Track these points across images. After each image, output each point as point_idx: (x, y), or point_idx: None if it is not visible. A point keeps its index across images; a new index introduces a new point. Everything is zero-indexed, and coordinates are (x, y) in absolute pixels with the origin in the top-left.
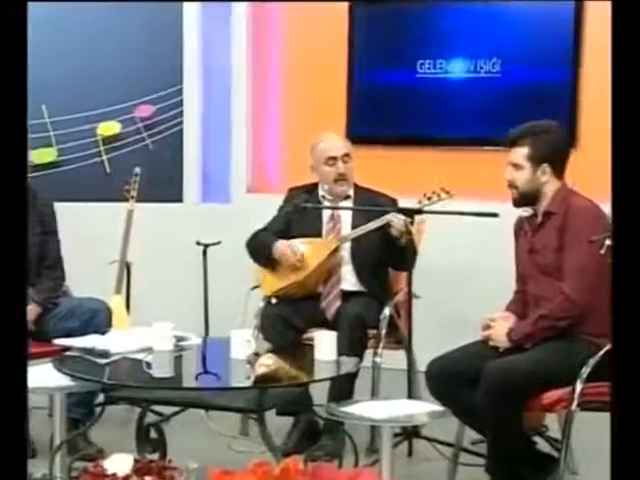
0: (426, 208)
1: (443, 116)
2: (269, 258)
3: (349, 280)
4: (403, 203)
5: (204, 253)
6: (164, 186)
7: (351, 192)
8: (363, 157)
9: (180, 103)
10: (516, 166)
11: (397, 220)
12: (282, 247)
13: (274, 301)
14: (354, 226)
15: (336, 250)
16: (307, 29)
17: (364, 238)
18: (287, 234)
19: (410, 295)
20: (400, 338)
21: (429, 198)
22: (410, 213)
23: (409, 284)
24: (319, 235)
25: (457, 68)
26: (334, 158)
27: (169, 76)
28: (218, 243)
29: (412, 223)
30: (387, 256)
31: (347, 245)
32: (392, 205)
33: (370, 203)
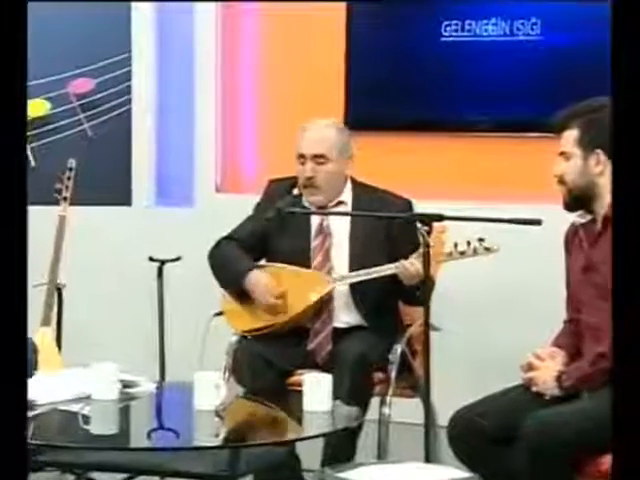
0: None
1: (471, 92)
2: (239, 289)
3: (347, 313)
4: (416, 206)
5: (159, 272)
6: (107, 184)
7: (346, 196)
8: (366, 147)
9: (128, 76)
10: (565, 155)
11: (413, 268)
12: (257, 284)
13: (250, 335)
14: (353, 241)
15: (329, 291)
16: None
17: (368, 257)
18: (263, 249)
19: (427, 327)
20: (415, 383)
21: (462, 253)
22: (428, 220)
23: (426, 314)
24: (305, 253)
25: (489, 30)
26: (302, 156)
27: (114, 41)
28: (177, 259)
29: (429, 233)
30: (396, 291)
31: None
32: (405, 210)
33: (375, 207)
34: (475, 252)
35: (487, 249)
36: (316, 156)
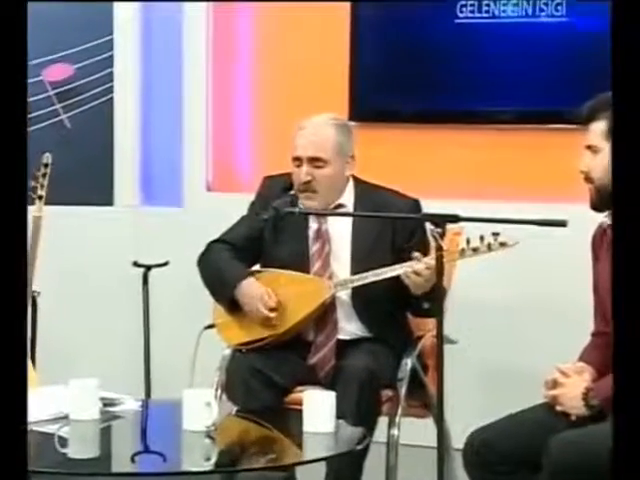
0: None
1: (488, 80)
2: (230, 300)
3: (351, 323)
4: (428, 206)
5: (145, 278)
6: (87, 182)
7: (347, 198)
8: (374, 141)
9: (110, 62)
10: (592, 149)
11: (423, 270)
12: (250, 295)
13: (245, 349)
14: (354, 246)
15: (330, 297)
16: None
17: (371, 264)
18: (257, 252)
19: (441, 340)
20: (427, 401)
21: (475, 249)
22: (442, 221)
23: (439, 325)
24: (303, 259)
25: (509, 11)
26: (298, 159)
27: (94, 23)
28: (165, 264)
29: (443, 236)
30: (401, 300)
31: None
32: (412, 211)
33: (377, 210)
34: (489, 248)
35: (503, 244)
36: (313, 159)
